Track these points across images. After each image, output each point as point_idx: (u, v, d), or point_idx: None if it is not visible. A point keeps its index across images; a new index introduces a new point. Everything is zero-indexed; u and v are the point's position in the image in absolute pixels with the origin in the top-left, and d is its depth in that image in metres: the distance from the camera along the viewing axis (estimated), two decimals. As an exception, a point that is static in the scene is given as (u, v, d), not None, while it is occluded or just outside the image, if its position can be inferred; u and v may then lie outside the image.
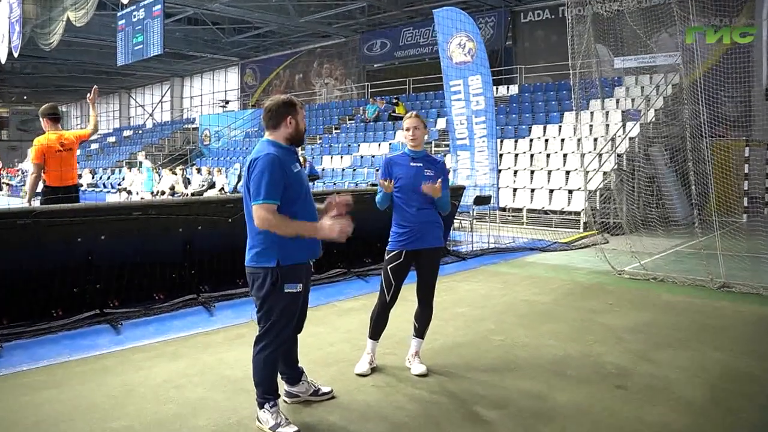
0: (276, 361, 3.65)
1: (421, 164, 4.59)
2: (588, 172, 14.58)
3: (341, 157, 22.00)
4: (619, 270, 8.68)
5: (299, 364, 4.03)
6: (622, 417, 3.91)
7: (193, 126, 32.34)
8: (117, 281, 5.95)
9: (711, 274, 7.83)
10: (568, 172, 15.51)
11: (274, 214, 3.40)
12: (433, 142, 20.69)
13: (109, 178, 28.16)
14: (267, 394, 3.60)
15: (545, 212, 14.52)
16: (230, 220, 6.74)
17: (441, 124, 21.62)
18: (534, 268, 9.18)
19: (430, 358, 4.81)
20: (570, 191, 14.64)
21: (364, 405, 4.05)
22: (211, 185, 17.78)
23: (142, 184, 18.33)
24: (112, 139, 39.06)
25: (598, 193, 14.30)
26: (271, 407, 3.59)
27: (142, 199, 17.09)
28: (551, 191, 14.94)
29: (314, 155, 22.59)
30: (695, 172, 14.13)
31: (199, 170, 19.23)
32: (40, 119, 7.10)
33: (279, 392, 3.74)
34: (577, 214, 13.99)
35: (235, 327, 5.82)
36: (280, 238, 3.46)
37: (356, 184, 19.12)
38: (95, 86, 7.84)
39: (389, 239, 4.62)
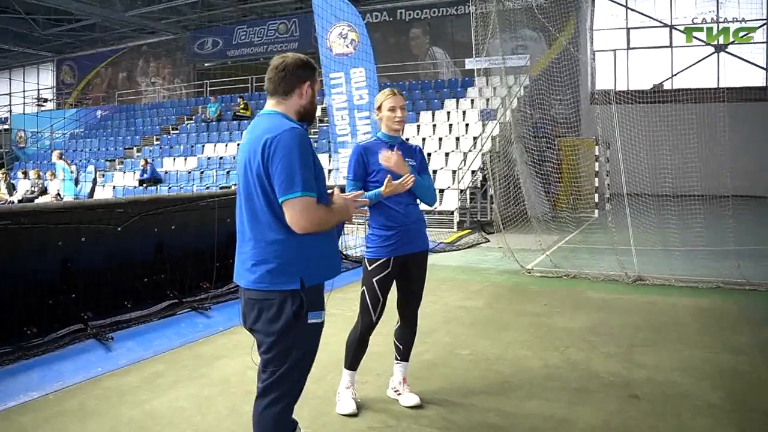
0: (290, 419, 2.66)
1: (401, 152, 3.78)
2: (456, 171, 14.51)
3: (185, 159, 20.24)
4: (528, 268, 8.39)
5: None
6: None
7: (5, 127, 28.40)
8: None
9: (625, 269, 7.74)
10: (434, 171, 15.27)
11: (318, 208, 2.46)
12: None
13: None
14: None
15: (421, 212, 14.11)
16: (119, 228, 5.47)
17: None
18: (439, 271, 8.61)
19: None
20: (441, 191, 14.38)
21: (373, 455, 3.19)
22: (43, 191, 15.37)
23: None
24: None
25: (467, 191, 14.22)
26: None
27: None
28: (421, 191, 14.58)
29: (153, 157, 20.63)
30: (544, 172, 14.58)
31: (25, 174, 16.61)
32: None
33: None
34: (450, 213, 13.76)
35: (147, 364, 4.59)
36: (305, 248, 2.50)
37: (207, 188, 17.63)
38: None
39: (368, 245, 3.75)
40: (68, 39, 29.35)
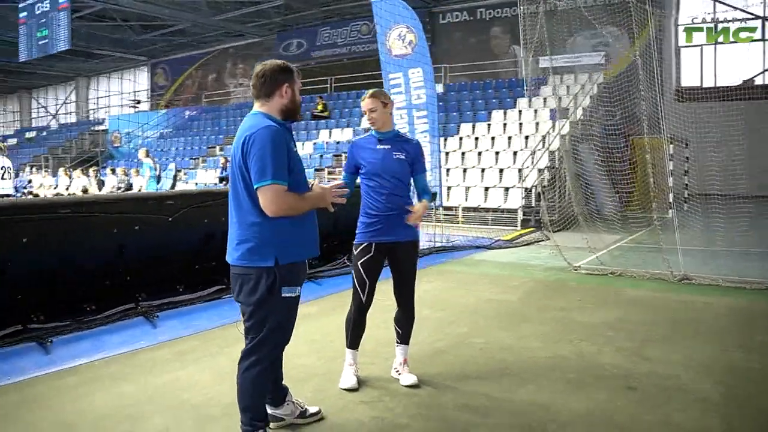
0: (267, 381, 3.05)
1: (389, 146, 4.07)
2: (522, 169, 14.53)
3: (264, 158, 21.13)
4: (575, 266, 8.44)
5: (283, 381, 3.43)
6: (648, 422, 3.56)
7: (102, 128, 30.53)
8: (41, 292, 5.09)
9: (671, 268, 7.68)
10: (501, 170, 15.37)
11: (287, 195, 2.84)
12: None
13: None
14: (256, 421, 2.99)
15: (486, 210, 14.26)
16: (170, 219, 6.01)
17: (366, 123, 21.17)
18: (486, 266, 8.82)
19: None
20: (506, 189, 14.47)
21: (357, 425, 3.50)
22: (128, 187, 16.58)
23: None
24: (12, 141, 36.37)
25: (533, 190, 14.22)
26: (260, 436, 2.99)
27: None
28: (486, 189, 14.75)
29: (235, 156, 21.64)
30: (615, 171, 14.31)
31: (113, 171, 17.94)
32: None
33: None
34: (514, 211, 13.83)
35: (184, 340, 5.10)
36: (280, 231, 2.90)
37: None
38: None
39: (356, 231, 4.10)
40: (161, 43, 31.04)
